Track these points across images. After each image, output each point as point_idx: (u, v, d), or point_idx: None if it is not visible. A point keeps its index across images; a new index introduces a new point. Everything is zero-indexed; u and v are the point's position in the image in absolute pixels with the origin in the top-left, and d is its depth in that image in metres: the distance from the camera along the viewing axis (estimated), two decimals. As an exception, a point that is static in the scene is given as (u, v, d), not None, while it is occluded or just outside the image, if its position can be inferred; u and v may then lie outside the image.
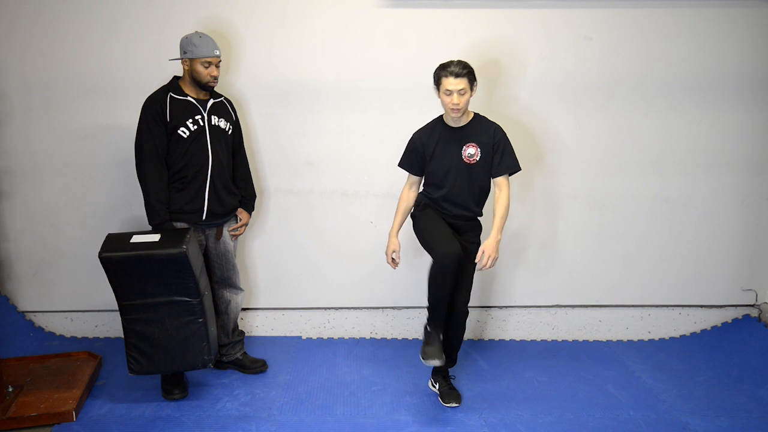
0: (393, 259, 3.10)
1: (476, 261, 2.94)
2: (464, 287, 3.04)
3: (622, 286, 3.88)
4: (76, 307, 3.78)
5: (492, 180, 3.03)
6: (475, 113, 3.00)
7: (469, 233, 3.05)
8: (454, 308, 3.04)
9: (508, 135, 2.99)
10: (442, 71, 2.85)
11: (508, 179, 3.00)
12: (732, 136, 3.70)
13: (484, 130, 2.95)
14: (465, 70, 2.82)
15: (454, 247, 2.85)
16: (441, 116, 3.02)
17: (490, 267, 2.95)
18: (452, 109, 2.86)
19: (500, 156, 2.96)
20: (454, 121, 2.95)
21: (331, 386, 3.28)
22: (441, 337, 2.99)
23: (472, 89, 2.87)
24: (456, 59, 2.88)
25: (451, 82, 2.81)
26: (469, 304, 3.07)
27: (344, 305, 3.86)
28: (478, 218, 3.07)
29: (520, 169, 3.02)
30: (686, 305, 3.91)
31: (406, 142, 3.07)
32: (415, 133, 3.06)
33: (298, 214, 3.72)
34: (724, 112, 3.66)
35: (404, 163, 3.10)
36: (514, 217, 3.68)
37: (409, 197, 3.10)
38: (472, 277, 3.07)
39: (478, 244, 3.06)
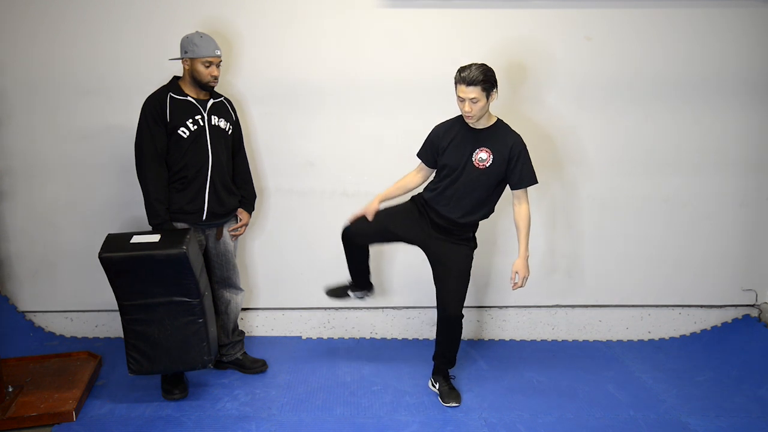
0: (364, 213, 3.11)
1: (511, 281, 3.00)
2: (451, 295, 3.00)
3: (622, 286, 3.88)
4: (76, 307, 3.77)
5: (512, 192, 2.99)
6: (498, 119, 2.96)
7: (452, 236, 3.02)
8: (444, 316, 3.04)
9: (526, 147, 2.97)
10: (457, 75, 2.80)
11: (527, 192, 2.98)
12: (732, 136, 3.70)
13: (502, 139, 2.91)
14: (480, 77, 2.74)
15: (359, 232, 3.10)
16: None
17: (523, 286, 3.00)
18: (465, 116, 2.86)
19: (520, 169, 2.91)
20: (473, 123, 2.93)
21: (331, 386, 3.28)
22: (350, 290, 3.38)
23: (488, 97, 2.80)
24: (477, 63, 2.80)
25: (462, 90, 2.78)
26: (464, 308, 3.03)
27: (344, 305, 3.86)
28: (471, 228, 3.04)
29: (537, 182, 2.98)
30: (686, 305, 3.91)
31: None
32: (436, 125, 3.06)
33: (298, 214, 3.72)
34: (724, 112, 3.66)
35: (421, 153, 3.10)
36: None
37: (413, 179, 3.12)
38: (460, 284, 3.02)
39: (469, 248, 3.05)
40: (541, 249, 3.81)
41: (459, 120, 3.00)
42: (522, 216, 2.97)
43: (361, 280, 3.35)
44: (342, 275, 3.78)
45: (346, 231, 3.14)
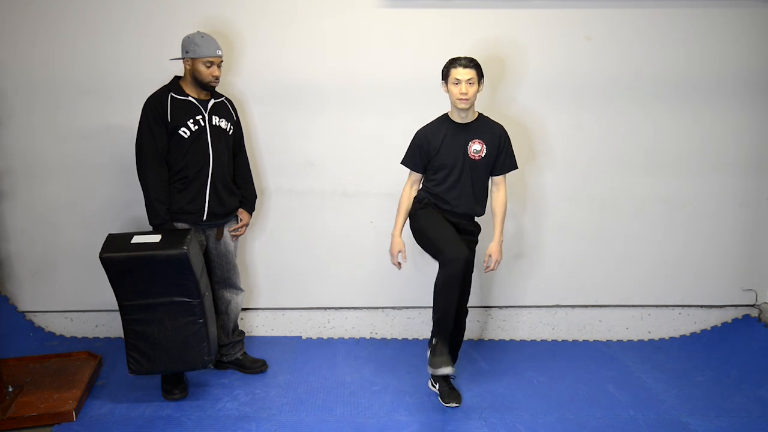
0: (399, 260, 3.12)
1: (484, 264, 3.08)
2: (463, 295, 3.04)
3: (622, 286, 3.88)
4: (76, 307, 3.77)
5: (491, 179, 3.07)
6: (479, 113, 3.04)
7: (467, 233, 3.05)
8: (458, 312, 3.04)
9: (509, 135, 3.07)
10: (451, 64, 2.92)
11: (505, 178, 3.08)
12: (731, 136, 3.70)
13: (490, 129, 3.01)
14: (473, 63, 2.89)
15: (464, 251, 2.79)
16: (446, 114, 3.04)
17: (494, 269, 3.10)
18: (460, 99, 2.88)
19: (504, 156, 3.03)
20: (461, 117, 2.97)
21: (331, 386, 3.28)
22: (448, 348, 2.93)
23: (479, 83, 2.91)
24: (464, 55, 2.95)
25: (460, 72, 2.87)
26: (468, 304, 3.10)
27: (344, 305, 3.86)
28: (476, 218, 3.10)
29: (517, 168, 3.10)
30: (686, 305, 3.91)
31: (410, 141, 3.08)
32: (419, 130, 3.07)
33: (299, 214, 3.72)
34: (724, 112, 3.67)
35: (407, 161, 3.10)
36: (514, 217, 3.68)
37: (411, 196, 3.11)
38: (471, 278, 3.07)
39: (475, 244, 3.10)
40: (540, 249, 3.81)
41: (443, 120, 3.04)
42: (500, 202, 3.08)
43: (450, 323, 2.90)
44: (341, 275, 3.80)
45: (454, 259, 2.76)
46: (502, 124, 3.06)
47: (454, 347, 3.15)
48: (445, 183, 2.99)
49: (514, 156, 3.08)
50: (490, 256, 3.07)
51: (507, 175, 3.10)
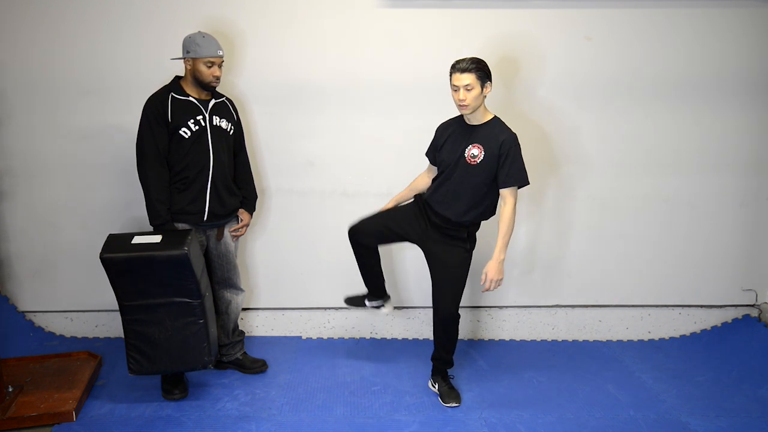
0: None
1: (481, 284, 2.95)
2: (443, 294, 3.00)
3: (622, 286, 3.88)
4: (76, 307, 3.77)
5: (499, 192, 2.96)
6: (495, 116, 2.95)
7: (448, 238, 3.01)
8: (437, 315, 3.04)
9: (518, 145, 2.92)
10: (451, 68, 2.87)
11: (514, 193, 2.91)
12: (732, 136, 3.70)
13: (495, 135, 2.89)
14: (472, 66, 2.80)
15: (359, 233, 3.13)
16: None
17: (494, 289, 2.95)
18: (459, 105, 2.87)
19: (508, 166, 2.87)
20: (468, 119, 2.95)
21: (331, 386, 3.28)
22: (366, 300, 3.37)
23: (482, 87, 2.83)
24: (469, 56, 2.86)
25: (457, 78, 2.83)
26: (460, 309, 3.04)
27: (344, 305, 3.85)
28: (468, 227, 3.01)
29: (527, 183, 2.93)
30: (686, 305, 3.91)
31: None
32: (440, 123, 3.11)
33: (299, 214, 3.72)
34: (724, 112, 3.67)
35: (427, 152, 3.16)
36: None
37: (423, 180, 3.16)
38: (454, 284, 3.00)
39: (464, 249, 3.01)
40: (540, 249, 3.81)
41: (458, 118, 3.03)
42: (503, 217, 2.90)
43: (374, 288, 3.34)
44: (341, 275, 3.80)
45: (352, 230, 3.16)
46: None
47: (443, 356, 3.15)
48: (438, 179, 3.01)
49: (521, 169, 2.88)
50: (485, 274, 2.92)
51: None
